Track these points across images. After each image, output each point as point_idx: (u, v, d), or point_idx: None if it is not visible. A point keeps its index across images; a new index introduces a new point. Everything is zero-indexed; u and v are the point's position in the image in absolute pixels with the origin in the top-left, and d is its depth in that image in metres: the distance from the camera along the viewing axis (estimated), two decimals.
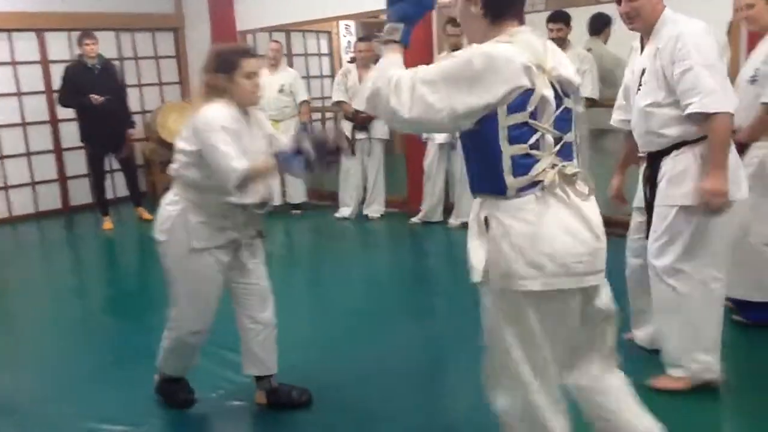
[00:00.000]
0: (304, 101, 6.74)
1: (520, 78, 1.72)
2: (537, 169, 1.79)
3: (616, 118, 3.04)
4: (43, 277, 5.52)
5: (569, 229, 1.80)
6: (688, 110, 2.54)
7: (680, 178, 2.66)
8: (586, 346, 1.98)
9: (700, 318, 2.72)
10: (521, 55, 1.73)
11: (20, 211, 7.31)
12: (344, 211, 6.45)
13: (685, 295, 2.71)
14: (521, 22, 1.87)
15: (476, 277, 1.86)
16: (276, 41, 7.01)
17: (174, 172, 2.69)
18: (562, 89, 1.82)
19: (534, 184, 1.80)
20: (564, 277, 1.79)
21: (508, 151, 1.78)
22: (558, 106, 1.80)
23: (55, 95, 6.80)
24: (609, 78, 5.28)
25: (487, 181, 1.85)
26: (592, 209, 1.86)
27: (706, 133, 2.56)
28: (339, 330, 3.70)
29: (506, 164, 1.79)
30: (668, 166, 2.71)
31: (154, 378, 3.01)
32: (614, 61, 5.37)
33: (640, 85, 2.73)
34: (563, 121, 1.83)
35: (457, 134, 1.99)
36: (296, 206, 6.86)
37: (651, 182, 2.80)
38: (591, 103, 4.96)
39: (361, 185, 6.53)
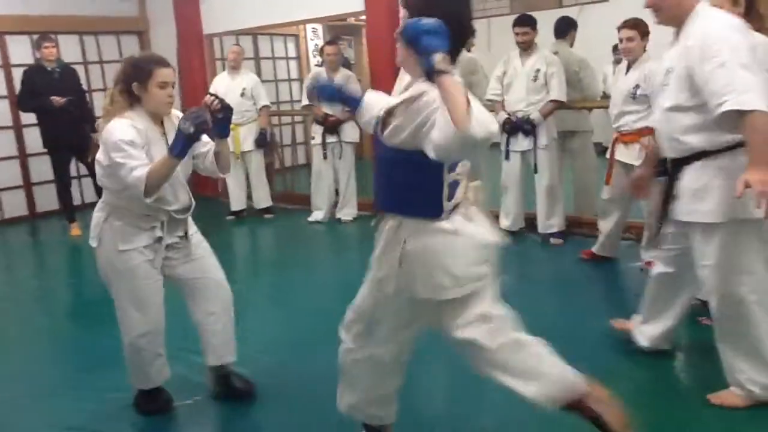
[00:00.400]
0: (265, 106, 6.72)
1: None
2: (460, 191, 2.07)
3: None
4: (9, 285, 5.42)
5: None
6: (722, 108, 2.32)
7: (702, 193, 2.53)
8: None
9: (754, 339, 2.60)
10: None
11: None
12: (317, 215, 6.44)
13: (730, 317, 2.62)
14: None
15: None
16: (237, 45, 6.99)
17: (99, 181, 2.76)
18: None
19: (456, 206, 2.07)
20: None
21: (447, 179, 2.02)
22: None
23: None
24: (574, 80, 5.37)
25: (421, 205, 2.06)
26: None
27: (742, 134, 2.37)
28: (311, 331, 3.69)
29: (445, 191, 2.02)
30: (689, 177, 2.58)
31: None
32: (579, 64, 5.46)
33: (665, 84, 2.61)
34: None
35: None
36: (267, 210, 6.85)
37: (669, 190, 2.69)
38: (558, 104, 5.03)
39: (333, 189, 6.54)
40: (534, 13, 5.24)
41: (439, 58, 1.74)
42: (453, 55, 1.88)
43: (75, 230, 6.51)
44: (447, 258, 2.05)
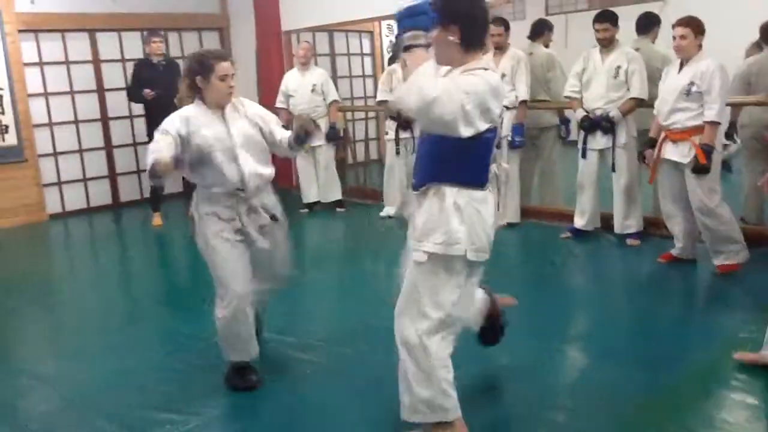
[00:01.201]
0: (334, 101, 6.81)
1: None
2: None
3: None
4: (94, 270, 5.70)
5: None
6: None
7: None
8: None
9: None
10: None
11: (73, 206, 7.53)
12: (388, 210, 6.49)
13: None
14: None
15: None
16: (306, 42, 7.09)
17: None
18: None
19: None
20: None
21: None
22: None
23: (107, 94, 6.97)
24: (656, 77, 5.22)
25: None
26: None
27: None
28: (374, 321, 3.72)
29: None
30: None
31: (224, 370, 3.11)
32: (662, 60, 5.31)
33: None
34: None
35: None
36: (339, 204, 6.94)
37: None
38: (639, 102, 4.91)
39: (405, 184, 6.56)
40: (615, 9, 5.12)
41: (409, 35, 2.17)
42: (467, 39, 2.28)
43: (157, 220, 6.75)
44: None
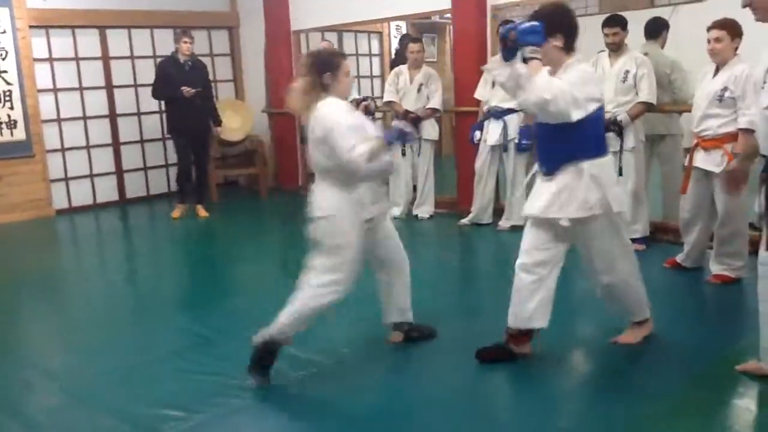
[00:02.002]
0: (351, 100, 6.81)
1: None
2: None
3: None
4: (103, 267, 5.72)
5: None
6: None
7: None
8: None
9: None
10: None
11: (79, 202, 7.56)
12: (394, 211, 6.49)
13: None
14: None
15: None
16: (327, 41, 7.10)
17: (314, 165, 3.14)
18: None
19: None
20: None
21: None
22: None
23: (116, 90, 7.00)
24: (665, 82, 5.22)
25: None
26: None
27: None
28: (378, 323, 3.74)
29: None
30: None
31: (256, 342, 3.10)
32: (671, 66, 5.31)
33: (765, 83, 2.64)
34: None
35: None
36: None
37: (765, 189, 2.72)
38: (647, 107, 4.90)
39: (411, 185, 6.58)
40: (624, 13, 5.12)
41: (529, 49, 2.85)
42: (568, 44, 3.01)
43: (176, 212, 6.86)
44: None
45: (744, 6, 2.57)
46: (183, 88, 6.40)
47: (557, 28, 2.94)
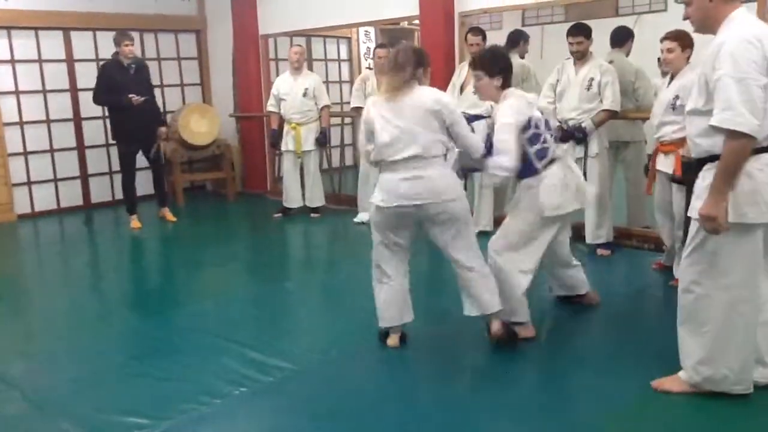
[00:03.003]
0: (325, 106, 6.82)
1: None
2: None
3: None
4: (65, 273, 5.61)
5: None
6: (710, 122, 2.50)
7: (705, 192, 2.60)
8: None
9: (717, 334, 2.72)
10: None
11: (42, 207, 7.43)
12: (362, 216, 6.49)
13: (700, 310, 2.74)
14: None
15: None
16: (299, 45, 7.08)
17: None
18: None
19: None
20: None
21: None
22: None
23: (81, 93, 6.89)
24: (629, 90, 5.32)
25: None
26: None
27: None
28: (354, 328, 3.75)
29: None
30: (700, 178, 2.68)
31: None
32: (636, 74, 5.40)
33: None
34: None
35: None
36: (315, 209, 6.93)
37: (689, 191, 2.82)
38: (611, 114, 4.98)
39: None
40: (590, 21, 5.20)
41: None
42: (506, 82, 3.49)
43: (135, 223, 6.64)
44: None
45: (684, 18, 2.71)
46: (131, 96, 6.16)
47: (497, 71, 3.43)
